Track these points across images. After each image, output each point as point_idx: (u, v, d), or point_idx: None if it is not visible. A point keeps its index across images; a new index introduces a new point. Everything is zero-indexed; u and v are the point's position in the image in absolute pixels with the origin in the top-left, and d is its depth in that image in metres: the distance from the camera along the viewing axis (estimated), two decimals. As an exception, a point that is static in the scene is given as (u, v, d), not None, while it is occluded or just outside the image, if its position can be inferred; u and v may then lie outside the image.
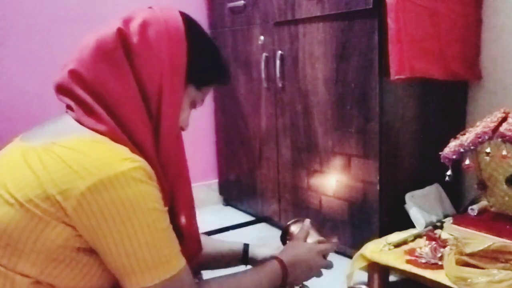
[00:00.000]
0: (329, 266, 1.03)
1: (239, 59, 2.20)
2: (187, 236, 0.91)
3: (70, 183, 0.68)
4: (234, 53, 2.23)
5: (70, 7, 2.07)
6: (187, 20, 0.85)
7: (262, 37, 2.02)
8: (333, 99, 1.71)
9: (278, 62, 1.92)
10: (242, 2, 2.11)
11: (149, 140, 0.80)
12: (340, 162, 1.72)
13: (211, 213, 2.39)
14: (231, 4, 2.18)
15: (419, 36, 1.49)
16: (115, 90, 0.77)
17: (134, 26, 0.79)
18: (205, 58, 0.86)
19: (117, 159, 0.71)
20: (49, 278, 0.71)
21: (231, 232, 2.15)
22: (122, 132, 0.76)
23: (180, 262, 0.77)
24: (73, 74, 0.78)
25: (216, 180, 2.56)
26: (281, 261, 0.95)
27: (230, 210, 2.48)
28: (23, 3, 1.98)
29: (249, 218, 2.30)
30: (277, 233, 2.07)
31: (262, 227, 2.20)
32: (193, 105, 0.90)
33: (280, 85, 1.94)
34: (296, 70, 1.86)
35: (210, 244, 1.09)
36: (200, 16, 2.36)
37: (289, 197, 2.01)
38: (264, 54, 2.00)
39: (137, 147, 0.77)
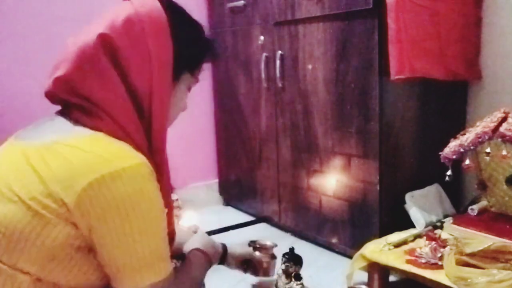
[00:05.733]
0: None
1: (239, 59, 2.20)
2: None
3: (73, 179, 0.68)
4: (234, 53, 2.23)
5: (70, 7, 2.07)
6: (168, 7, 0.83)
7: (262, 37, 2.02)
8: (333, 99, 1.71)
9: (278, 62, 1.92)
10: (242, 2, 2.11)
11: (143, 141, 0.80)
12: (340, 162, 1.72)
13: (211, 213, 2.38)
14: (231, 4, 2.18)
15: (419, 36, 1.49)
16: (104, 96, 0.77)
17: (117, 28, 0.78)
18: (192, 43, 0.86)
19: (120, 156, 0.71)
20: (50, 276, 0.71)
21: (231, 232, 2.15)
22: (120, 130, 0.77)
23: (170, 267, 0.77)
24: (60, 82, 0.78)
25: (216, 180, 2.56)
26: (199, 249, 1.04)
27: (230, 210, 2.48)
28: (23, 3, 1.98)
29: (249, 218, 2.30)
30: (277, 233, 2.09)
31: (262, 227, 2.20)
32: (189, 89, 0.92)
33: (280, 85, 1.94)
34: (296, 70, 1.86)
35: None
36: (200, 16, 2.36)
37: (289, 197, 2.01)
38: (264, 54, 2.00)
39: (136, 146, 0.77)
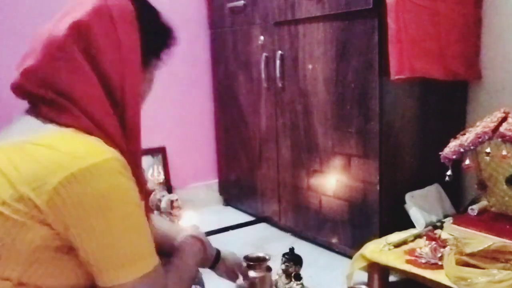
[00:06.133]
0: None
1: (239, 59, 2.20)
2: None
3: (42, 179, 0.66)
4: (234, 53, 2.23)
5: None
6: None
7: (262, 37, 2.02)
8: (333, 99, 1.71)
9: (278, 62, 1.92)
10: (242, 2, 2.11)
11: (118, 131, 0.78)
12: (340, 162, 1.72)
13: (211, 213, 2.39)
14: (231, 4, 2.18)
15: (419, 36, 1.49)
16: (75, 86, 0.75)
17: (87, 16, 0.76)
18: (157, 29, 0.86)
19: (89, 152, 0.69)
20: (32, 279, 0.69)
21: (231, 232, 2.15)
22: (93, 124, 0.75)
23: (155, 260, 0.75)
24: (29, 74, 0.76)
25: (216, 180, 2.56)
26: (193, 236, 1.01)
27: (230, 210, 2.48)
28: (23, 2, 1.98)
29: (249, 218, 2.30)
30: (277, 233, 2.09)
31: (262, 227, 2.20)
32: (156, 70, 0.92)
33: (280, 85, 1.94)
34: (296, 70, 1.86)
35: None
36: (200, 16, 2.36)
37: (289, 197, 2.01)
38: (264, 54, 2.00)
39: (109, 139, 0.75)
